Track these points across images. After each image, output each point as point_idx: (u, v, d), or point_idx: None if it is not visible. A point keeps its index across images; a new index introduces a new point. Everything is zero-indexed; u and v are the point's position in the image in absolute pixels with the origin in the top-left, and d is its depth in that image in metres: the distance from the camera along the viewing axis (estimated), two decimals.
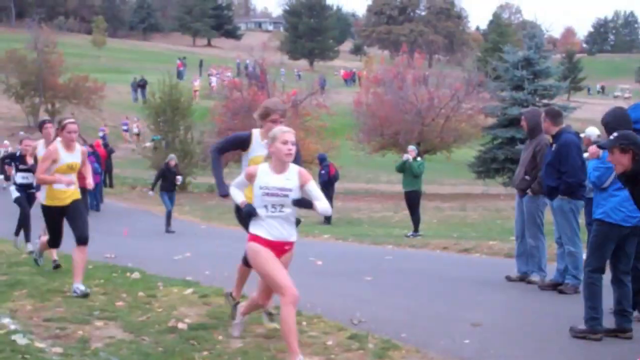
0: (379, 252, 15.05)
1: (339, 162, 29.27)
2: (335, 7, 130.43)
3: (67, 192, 9.75)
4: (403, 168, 18.82)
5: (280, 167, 6.46)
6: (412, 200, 18.95)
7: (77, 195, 9.91)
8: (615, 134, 6.59)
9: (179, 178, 21.46)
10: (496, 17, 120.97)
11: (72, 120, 9.79)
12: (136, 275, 11.02)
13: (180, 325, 7.83)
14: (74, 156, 9.76)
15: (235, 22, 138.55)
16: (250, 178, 6.50)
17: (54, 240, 10.42)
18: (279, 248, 6.53)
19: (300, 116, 36.28)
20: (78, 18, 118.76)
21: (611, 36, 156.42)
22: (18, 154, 14.46)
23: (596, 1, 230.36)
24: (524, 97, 33.86)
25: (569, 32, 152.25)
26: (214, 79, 60.91)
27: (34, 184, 13.19)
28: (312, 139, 35.26)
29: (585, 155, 8.23)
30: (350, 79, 77.32)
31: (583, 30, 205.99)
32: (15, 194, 14.55)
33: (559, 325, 7.84)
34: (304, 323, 7.94)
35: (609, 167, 7.36)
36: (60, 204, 9.80)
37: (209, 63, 75.25)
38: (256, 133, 7.61)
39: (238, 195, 6.72)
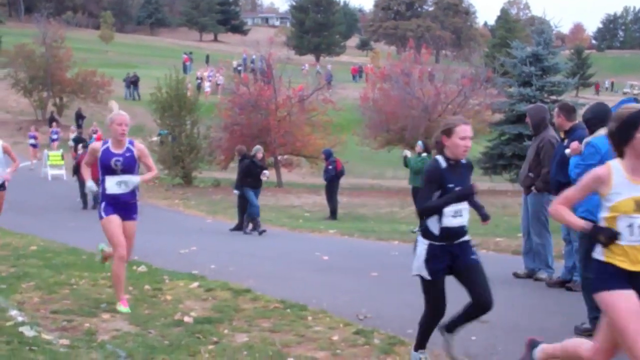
0: (385, 248, 15.05)
1: (345, 157, 29.23)
2: (342, 2, 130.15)
3: None
4: (405, 163, 18.87)
5: None
6: (416, 195, 18.95)
7: None
8: None
9: (266, 173, 19.72)
10: (504, 12, 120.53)
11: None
12: (142, 268, 11.05)
13: (186, 319, 7.86)
14: None
15: (242, 17, 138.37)
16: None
17: None
18: None
19: (307, 111, 36.27)
20: (86, 13, 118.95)
21: (620, 32, 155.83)
22: None
23: None
24: (532, 93, 33.73)
25: (578, 28, 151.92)
26: (207, 84, 56.94)
27: None
28: (318, 134, 35.25)
29: (567, 151, 8.17)
30: (357, 74, 77.20)
31: (592, 26, 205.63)
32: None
33: (566, 322, 7.83)
34: (310, 318, 7.96)
35: (590, 164, 7.34)
36: None
37: (215, 58, 75.20)
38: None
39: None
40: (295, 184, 35.29)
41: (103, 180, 8.45)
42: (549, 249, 10.39)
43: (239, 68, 60.02)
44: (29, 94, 47.55)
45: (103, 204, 8.46)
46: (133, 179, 8.50)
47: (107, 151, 8.43)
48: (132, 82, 55.42)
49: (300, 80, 39.26)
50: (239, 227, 19.27)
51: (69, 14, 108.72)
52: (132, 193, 8.53)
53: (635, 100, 8.68)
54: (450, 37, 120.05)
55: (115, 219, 8.40)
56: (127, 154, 8.46)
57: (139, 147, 8.65)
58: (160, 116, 33.63)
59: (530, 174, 10.31)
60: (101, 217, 8.42)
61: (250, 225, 18.83)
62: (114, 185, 8.40)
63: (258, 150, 20.00)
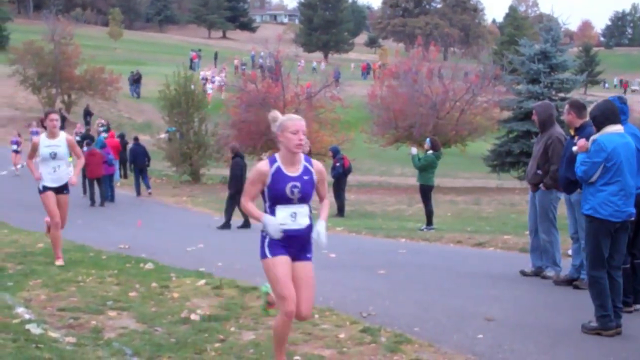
0: (393, 246, 15.02)
1: (353, 154, 29.23)
2: (350, 0, 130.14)
3: None
4: (414, 161, 18.93)
5: None
6: (422, 193, 18.96)
7: None
8: None
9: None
10: (512, 10, 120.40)
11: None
12: (149, 266, 11.05)
13: (193, 317, 7.86)
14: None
15: (250, 14, 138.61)
16: None
17: None
18: None
19: (314, 109, 36.25)
20: (95, 10, 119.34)
21: (629, 29, 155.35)
22: None
23: None
24: (540, 91, 33.66)
25: (586, 25, 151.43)
26: (209, 87, 55.35)
27: None
28: (326, 131, 35.24)
29: (574, 148, 8.14)
30: (365, 71, 77.19)
31: (600, 23, 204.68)
32: None
33: (573, 320, 7.80)
34: (316, 316, 7.94)
35: (596, 161, 7.32)
36: None
37: (224, 55, 75.31)
38: None
39: None
40: None
41: (272, 211, 6.05)
42: (556, 246, 10.35)
43: (243, 67, 59.76)
44: (38, 90, 47.60)
45: (267, 239, 6.05)
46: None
47: (279, 173, 6.03)
48: (135, 80, 55.40)
49: (308, 77, 39.19)
50: (227, 225, 19.41)
51: (77, 10, 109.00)
52: (308, 228, 6.09)
53: (619, 99, 8.65)
54: (459, 35, 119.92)
55: (284, 261, 6.01)
56: (305, 177, 6.08)
57: (318, 167, 6.24)
58: (169, 113, 33.67)
59: (539, 172, 10.27)
60: (264, 257, 6.04)
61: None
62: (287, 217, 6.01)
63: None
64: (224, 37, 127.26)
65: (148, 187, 27.64)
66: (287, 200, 5.97)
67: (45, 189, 10.91)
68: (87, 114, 45.50)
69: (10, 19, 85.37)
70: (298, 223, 5.98)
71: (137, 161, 27.80)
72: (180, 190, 29.88)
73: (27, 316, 7.68)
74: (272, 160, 6.03)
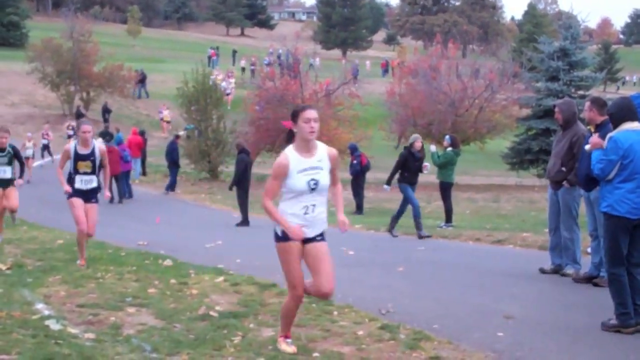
0: (411, 243, 14.99)
1: (371, 152, 29.15)
2: None
3: None
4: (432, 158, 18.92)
5: None
6: (441, 190, 18.93)
7: None
8: None
9: (427, 165, 16.61)
10: (531, 7, 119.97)
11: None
12: (168, 262, 11.08)
13: (212, 313, 7.87)
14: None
15: (268, 11, 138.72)
16: None
17: None
18: None
19: (333, 106, 36.20)
20: (113, 7, 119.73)
21: None
22: None
23: None
24: (559, 88, 33.49)
25: (605, 23, 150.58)
26: (224, 84, 56.27)
27: None
28: (344, 128, 35.18)
29: (587, 147, 8.08)
30: (384, 69, 76.99)
31: (620, 20, 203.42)
32: None
33: (593, 318, 7.75)
34: (335, 313, 7.94)
35: (612, 159, 7.26)
36: None
37: (242, 53, 75.35)
38: None
39: None
40: None
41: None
42: (577, 244, 10.29)
43: (252, 67, 59.45)
44: (57, 88, 47.77)
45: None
46: None
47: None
48: (140, 81, 55.32)
49: (327, 74, 39.12)
50: (245, 222, 19.44)
51: (96, 8, 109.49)
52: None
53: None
54: (478, 32, 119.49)
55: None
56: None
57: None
58: (187, 110, 33.72)
59: (563, 168, 10.19)
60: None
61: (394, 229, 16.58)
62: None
63: (416, 139, 16.69)
64: (242, 34, 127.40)
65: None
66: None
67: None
68: (106, 111, 45.61)
69: (29, 17, 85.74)
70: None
71: (174, 157, 27.83)
72: (199, 188, 29.91)
73: (46, 312, 7.71)
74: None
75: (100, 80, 47.62)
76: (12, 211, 13.78)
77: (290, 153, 6.25)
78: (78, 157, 10.87)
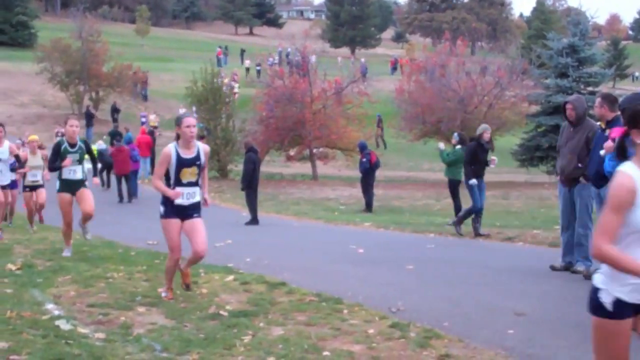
0: (421, 241, 14.96)
1: (380, 150, 29.14)
2: None
3: None
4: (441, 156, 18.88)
5: None
6: (450, 188, 18.92)
7: None
8: None
9: (495, 160, 15.69)
10: (540, 4, 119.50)
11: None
12: None
13: (222, 312, 7.86)
14: None
15: (277, 10, 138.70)
16: None
17: None
18: None
19: (342, 104, 36.18)
20: (122, 7, 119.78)
21: None
22: None
23: None
24: (568, 85, 33.38)
25: (614, 19, 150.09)
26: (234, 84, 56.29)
27: None
28: (353, 126, 35.16)
29: (602, 152, 8.04)
30: (393, 67, 76.87)
31: (629, 16, 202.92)
32: None
33: None
34: (345, 311, 7.92)
35: None
36: None
37: (250, 52, 75.36)
38: None
39: None
40: (331, 177, 35.24)
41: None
42: (591, 241, 10.22)
43: (257, 68, 59.46)
44: (66, 88, 47.92)
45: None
46: None
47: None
48: (144, 82, 55.32)
49: (336, 72, 39.10)
50: (254, 221, 19.40)
51: (104, 8, 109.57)
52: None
53: None
54: (486, 29, 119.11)
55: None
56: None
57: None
58: (196, 109, 33.76)
59: (579, 165, 10.11)
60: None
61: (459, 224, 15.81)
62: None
63: (485, 130, 15.72)
64: (251, 33, 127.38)
65: None
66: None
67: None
68: (115, 111, 45.70)
69: (37, 17, 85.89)
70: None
71: None
72: (208, 186, 29.82)
73: (56, 312, 7.72)
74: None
75: (109, 80, 47.74)
76: (88, 216, 11.86)
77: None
78: (182, 163, 8.48)
